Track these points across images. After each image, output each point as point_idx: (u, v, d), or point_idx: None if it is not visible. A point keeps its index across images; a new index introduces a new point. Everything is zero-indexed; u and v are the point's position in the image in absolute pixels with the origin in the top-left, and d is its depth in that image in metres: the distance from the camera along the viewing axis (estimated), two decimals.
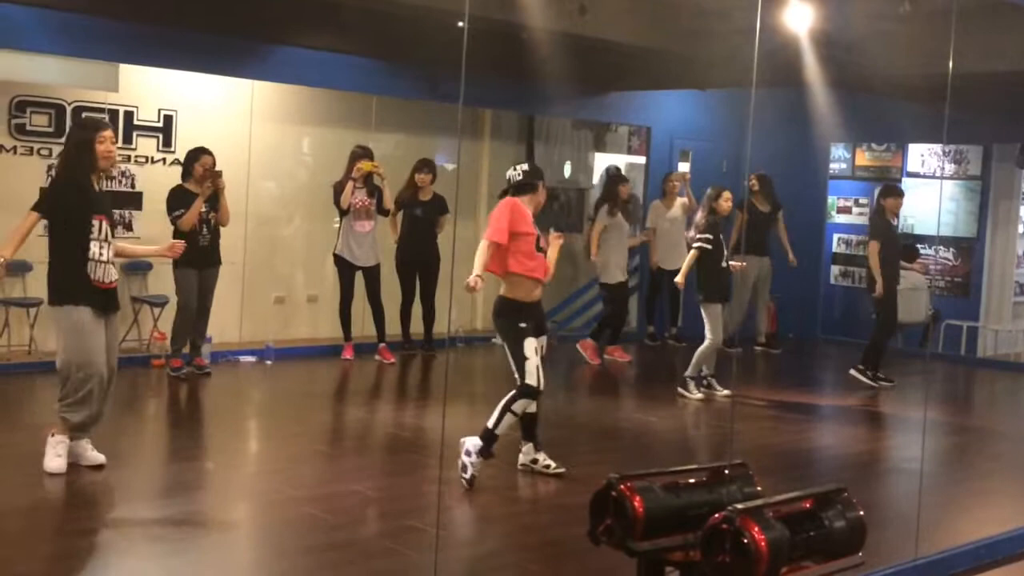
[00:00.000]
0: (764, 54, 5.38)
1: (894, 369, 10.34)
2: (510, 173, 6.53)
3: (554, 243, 6.61)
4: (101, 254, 5.90)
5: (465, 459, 6.10)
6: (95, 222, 5.89)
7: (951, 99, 5.89)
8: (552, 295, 12.18)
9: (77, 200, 5.91)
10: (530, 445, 6.53)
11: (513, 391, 6.19)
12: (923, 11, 7.75)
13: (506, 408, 6.15)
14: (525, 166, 6.60)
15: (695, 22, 8.91)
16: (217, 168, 8.77)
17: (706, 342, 9.00)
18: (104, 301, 5.95)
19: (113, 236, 6.05)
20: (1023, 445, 8.68)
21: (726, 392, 9.27)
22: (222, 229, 8.98)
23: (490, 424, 6.15)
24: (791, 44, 8.35)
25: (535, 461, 6.51)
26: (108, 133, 6.03)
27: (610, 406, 9.53)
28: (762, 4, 5.25)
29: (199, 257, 8.58)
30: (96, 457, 6.06)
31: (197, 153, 8.85)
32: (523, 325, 6.22)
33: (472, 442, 6.13)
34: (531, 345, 6.19)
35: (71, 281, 5.88)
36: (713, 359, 9.20)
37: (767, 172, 11.67)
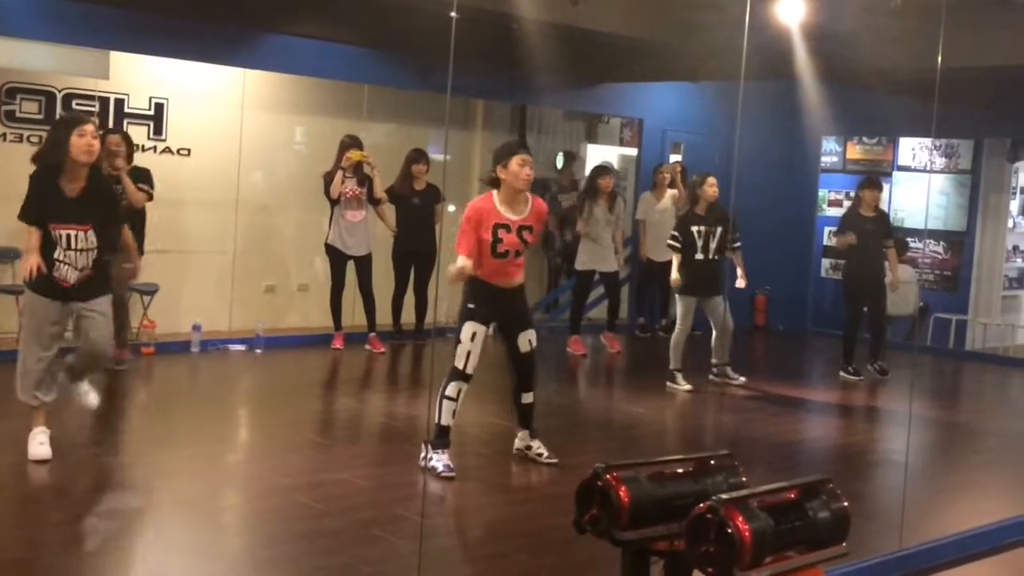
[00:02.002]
0: (755, 47, 5.40)
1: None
2: None
3: None
4: (63, 258, 5.76)
5: (431, 464, 6.08)
6: (53, 232, 5.72)
7: (942, 93, 5.91)
8: (538, 286, 12.24)
9: (32, 206, 5.77)
10: (525, 432, 6.57)
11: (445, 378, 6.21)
12: (914, 5, 7.76)
13: (441, 396, 6.17)
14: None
15: (687, 14, 8.92)
16: (122, 148, 8.33)
17: (675, 332, 9.08)
18: (64, 294, 5.84)
19: (84, 242, 5.78)
20: (1009, 438, 8.72)
21: (742, 380, 9.35)
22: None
23: (436, 418, 6.18)
24: (782, 37, 8.37)
25: (529, 448, 6.56)
26: (89, 127, 5.73)
27: (599, 397, 9.57)
28: None
29: None
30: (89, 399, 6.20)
31: (105, 134, 8.30)
32: (471, 306, 6.16)
33: (431, 453, 6.14)
34: (469, 330, 6.13)
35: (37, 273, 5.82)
36: (726, 348, 9.26)
37: (754, 164, 11.70)
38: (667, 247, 9.18)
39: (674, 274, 9.11)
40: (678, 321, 9.11)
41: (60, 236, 5.74)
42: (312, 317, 10.77)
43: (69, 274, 5.79)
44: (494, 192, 6.25)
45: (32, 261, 5.68)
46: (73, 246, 5.75)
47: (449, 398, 6.15)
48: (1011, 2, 7.39)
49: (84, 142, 5.69)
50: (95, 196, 5.85)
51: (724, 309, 9.19)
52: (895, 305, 10.79)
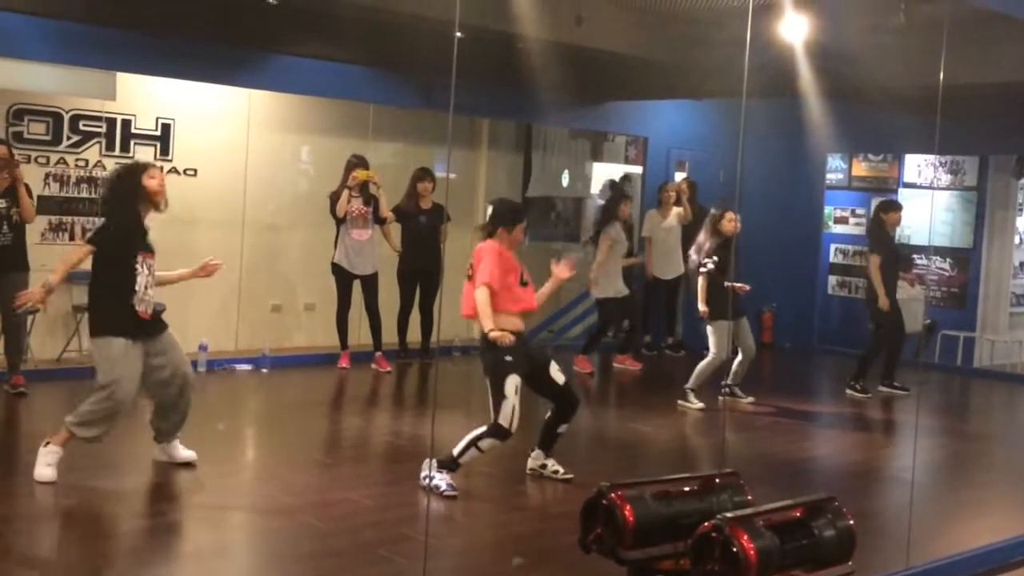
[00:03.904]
0: (759, 65, 5.41)
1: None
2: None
3: (562, 271, 6.59)
4: (139, 289, 6.06)
5: (434, 482, 6.07)
6: (139, 258, 6.06)
7: (946, 110, 5.92)
8: (548, 304, 12.22)
9: (126, 242, 6.08)
10: (540, 452, 6.62)
11: (484, 426, 6.15)
12: (918, 22, 7.78)
13: (473, 442, 6.13)
14: (491, 207, 6.64)
15: (690, 32, 8.94)
16: (15, 158, 8.11)
17: (709, 357, 9.02)
18: (142, 329, 6.10)
19: (150, 269, 6.17)
20: (1017, 455, 8.70)
21: (750, 399, 9.35)
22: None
23: (455, 452, 6.14)
24: (786, 54, 8.38)
25: (544, 466, 6.60)
26: (155, 169, 6.26)
27: (605, 415, 9.55)
28: (757, 15, 5.28)
29: None
30: (188, 455, 6.46)
31: None
32: (508, 359, 6.10)
33: (434, 472, 6.12)
34: (512, 383, 6.08)
35: (112, 314, 6.05)
36: (743, 373, 9.28)
37: (753, 180, 11.73)
38: (704, 273, 8.99)
39: (703, 306, 8.95)
40: (714, 348, 8.98)
41: (147, 265, 6.11)
42: (318, 336, 10.77)
43: (145, 306, 6.09)
44: (495, 240, 6.37)
45: (38, 294, 5.98)
46: (151, 272, 6.15)
47: (480, 450, 6.14)
48: (1014, 18, 7.39)
49: (156, 182, 6.18)
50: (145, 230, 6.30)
51: (749, 332, 9.22)
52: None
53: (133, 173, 6.25)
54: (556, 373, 6.41)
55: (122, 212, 6.20)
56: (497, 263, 6.19)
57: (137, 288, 6.05)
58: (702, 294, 8.99)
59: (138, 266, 6.07)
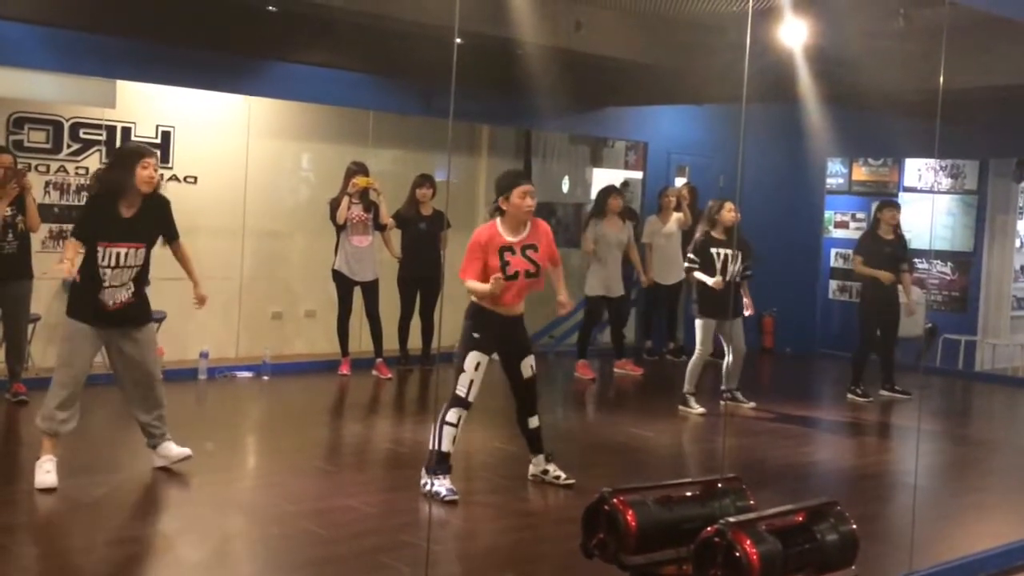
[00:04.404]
0: (759, 70, 5.42)
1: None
2: None
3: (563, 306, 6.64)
4: (104, 278, 5.99)
5: (434, 489, 6.06)
6: (99, 249, 5.97)
7: (946, 114, 5.92)
8: (547, 311, 12.22)
9: (89, 225, 6.06)
10: (540, 457, 6.60)
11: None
12: (917, 26, 7.78)
13: (441, 423, 6.17)
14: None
15: (690, 38, 8.96)
16: (20, 167, 8.00)
17: (695, 355, 9.04)
18: (105, 320, 6.06)
19: (133, 259, 6.05)
20: (1019, 459, 8.68)
21: (752, 404, 9.34)
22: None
23: (435, 445, 6.15)
24: (786, 59, 8.39)
25: (546, 472, 6.58)
26: (152, 160, 6.11)
27: (606, 420, 9.53)
28: (757, 20, 5.29)
29: (4, 268, 7.81)
30: (181, 451, 6.44)
31: None
32: (476, 335, 6.18)
33: (434, 479, 6.13)
34: (472, 359, 6.16)
35: (76, 297, 6.11)
36: (738, 373, 9.24)
37: (757, 186, 11.70)
38: (685, 268, 9.09)
39: (716, 279, 8.76)
40: (697, 344, 9.04)
41: (110, 254, 5.98)
42: (319, 343, 10.76)
43: (110, 296, 6.01)
44: (497, 220, 6.32)
45: (66, 266, 5.89)
46: (121, 263, 6.02)
47: (450, 424, 6.16)
48: (1014, 21, 7.40)
49: (147, 173, 6.04)
50: (149, 216, 6.16)
51: (741, 332, 9.18)
52: (903, 326, 10.77)
53: (127, 159, 6.13)
54: (526, 367, 6.36)
55: (95, 199, 6.18)
56: (474, 256, 6.19)
57: (104, 278, 5.97)
58: (701, 284, 8.94)
59: (99, 255, 5.96)
